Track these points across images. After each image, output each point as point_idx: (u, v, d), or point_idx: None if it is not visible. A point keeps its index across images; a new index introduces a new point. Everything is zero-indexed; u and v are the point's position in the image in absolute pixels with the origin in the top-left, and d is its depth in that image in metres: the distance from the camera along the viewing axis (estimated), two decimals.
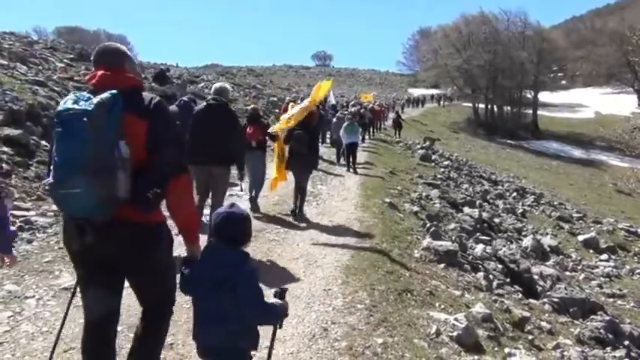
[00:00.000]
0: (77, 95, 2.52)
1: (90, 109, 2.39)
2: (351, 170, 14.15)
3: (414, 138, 30.55)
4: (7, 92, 10.60)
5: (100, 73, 2.65)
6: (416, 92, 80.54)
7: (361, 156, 16.68)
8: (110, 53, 2.80)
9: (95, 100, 2.43)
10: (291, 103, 15.54)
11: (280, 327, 2.74)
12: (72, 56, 19.97)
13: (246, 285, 2.50)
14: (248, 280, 2.52)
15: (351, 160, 14.37)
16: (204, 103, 6.64)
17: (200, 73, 36.61)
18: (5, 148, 8.64)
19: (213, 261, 2.57)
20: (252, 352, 2.71)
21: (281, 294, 2.72)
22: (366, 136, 22.87)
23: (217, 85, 6.84)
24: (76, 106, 2.41)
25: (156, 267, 2.74)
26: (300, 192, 8.56)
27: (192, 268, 2.64)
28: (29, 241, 6.24)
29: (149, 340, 2.85)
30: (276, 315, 2.65)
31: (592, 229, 18.10)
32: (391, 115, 34.17)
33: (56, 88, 13.17)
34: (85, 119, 2.36)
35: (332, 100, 24.15)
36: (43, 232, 6.58)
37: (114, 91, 2.48)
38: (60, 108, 2.46)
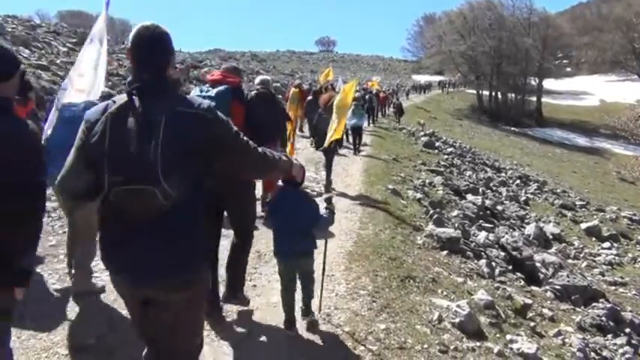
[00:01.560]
0: (200, 87, 4.08)
1: (213, 95, 3.77)
2: (357, 153, 14.58)
3: (416, 125, 30.47)
4: None
5: (217, 73, 4.17)
6: (421, 79, 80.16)
7: (365, 141, 16.70)
8: (234, 69, 4.35)
9: (214, 90, 3.85)
10: (293, 89, 15.66)
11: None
12: (75, 40, 19.90)
13: (317, 212, 3.94)
14: (317, 208, 3.95)
15: (356, 141, 14.79)
16: (254, 93, 7.18)
17: (203, 58, 36.51)
18: None
19: (289, 198, 3.87)
20: None
21: (328, 200, 4.23)
22: (370, 122, 23.08)
23: (262, 77, 7.47)
24: (202, 93, 3.85)
25: (251, 199, 4.19)
26: (328, 166, 9.97)
27: (274, 205, 4.08)
28: None
29: (240, 249, 4.20)
30: (333, 220, 4.09)
31: (595, 217, 18.10)
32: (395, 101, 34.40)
33: (60, 73, 13.14)
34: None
35: (341, 86, 24.52)
36: (47, 216, 6.58)
37: (226, 86, 3.88)
38: (194, 93, 3.90)
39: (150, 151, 2.01)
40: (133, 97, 2.14)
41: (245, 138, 2.36)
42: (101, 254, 2.22)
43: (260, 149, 2.42)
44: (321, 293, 4.39)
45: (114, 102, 2.18)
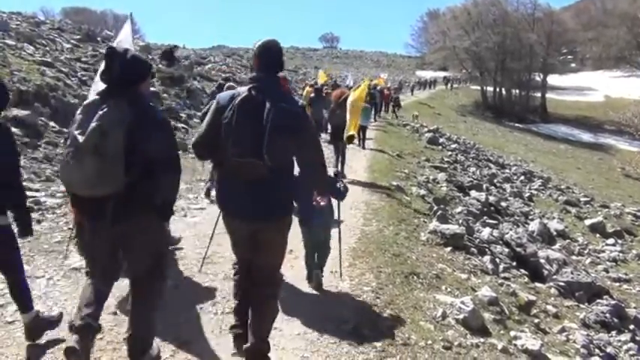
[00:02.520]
0: None
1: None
2: (363, 147, 15.31)
3: (421, 120, 30.43)
4: (15, 73, 10.61)
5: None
6: (426, 74, 79.89)
7: (369, 135, 16.77)
8: (282, 78, 4.75)
9: None
10: (308, 88, 16.17)
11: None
12: (79, 37, 19.90)
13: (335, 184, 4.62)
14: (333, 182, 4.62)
15: (360, 137, 15.35)
16: None
17: (207, 54, 36.45)
18: (14, 129, 8.64)
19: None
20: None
21: (337, 175, 5.11)
22: (374, 117, 23.49)
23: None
24: None
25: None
26: (342, 157, 10.69)
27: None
28: (38, 222, 6.28)
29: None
30: (345, 194, 4.71)
31: (599, 213, 18.04)
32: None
33: (64, 69, 13.15)
34: None
35: (350, 82, 25.11)
36: (52, 212, 6.62)
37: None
38: None
39: (260, 135, 2.94)
40: (252, 91, 3.05)
41: (318, 141, 3.39)
42: (219, 201, 3.31)
43: (324, 158, 3.37)
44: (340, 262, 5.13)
45: (239, 93, 3.10)
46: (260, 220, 3.13)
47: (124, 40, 6.15)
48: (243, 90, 3.12)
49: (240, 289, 3.49)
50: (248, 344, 3.31)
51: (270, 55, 3.21)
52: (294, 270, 5.32)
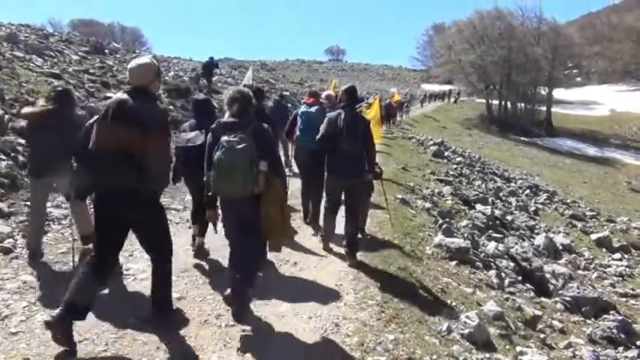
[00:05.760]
0: (304, 106, 7.54)
1: (313, 111, 7.30)
2: None
3: (427, 134, 30.46)
4: (24, 84, 10.70)
5: (312, 99, 7.56)
6: (433, 88, 79.95)
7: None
8: (315, 93, 7.94)
9: (314, 108, 7.33)
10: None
11: None
12: (87, 49, 20.09)
13: None
14: None
15: None
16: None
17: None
18: (21, 140, 8.71)
19: None
20: None
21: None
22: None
23: (327, 92, 9.45)
24: (307, 110, 7.38)
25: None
26: None
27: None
28: (44, 232, 6.30)
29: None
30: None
31: (605, 227, 17.92)
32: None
33: (71, 81, 13.27)
34: (313, 115, 7.23)
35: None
36: (57, 223, 6.64)
37: (319, 106, 7.35)
38: (302, 110, 7.51)
39: (354, 133, 5.77)
40: (344, 111, 5.88)
41: (374, 142, 6.14)
42: (330, 168, 6.02)
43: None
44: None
45: (341, 112, 5.88)
46: (348, 178, 5.87)
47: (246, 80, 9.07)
48: (340, 111, 5.90)
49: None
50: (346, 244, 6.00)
51: (351, 92, 6.15)
52: (297, 282, 5.34)
